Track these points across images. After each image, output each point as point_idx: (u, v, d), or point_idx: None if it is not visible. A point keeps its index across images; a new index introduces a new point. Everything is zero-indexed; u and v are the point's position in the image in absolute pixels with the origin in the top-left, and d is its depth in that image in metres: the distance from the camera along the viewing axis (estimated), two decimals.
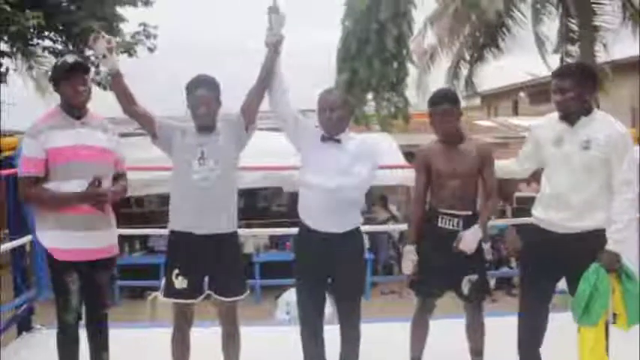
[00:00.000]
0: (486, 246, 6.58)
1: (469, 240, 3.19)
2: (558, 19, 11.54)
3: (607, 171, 2.96)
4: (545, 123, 3.23)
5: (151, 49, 10.15)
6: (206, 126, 3.19)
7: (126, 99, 3.17)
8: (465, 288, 3.27)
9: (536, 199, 3.24)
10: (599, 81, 3.18)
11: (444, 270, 3.24)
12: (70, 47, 9.43)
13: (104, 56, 3.10)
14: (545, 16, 11.60)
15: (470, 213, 3.29)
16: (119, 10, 10.08)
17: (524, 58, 12.40)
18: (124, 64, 3.48)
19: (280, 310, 6.69)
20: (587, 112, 3.02)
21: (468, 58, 11.88)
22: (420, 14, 13.21)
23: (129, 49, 9.83)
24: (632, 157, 2.98)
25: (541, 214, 3.17)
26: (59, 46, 9.74)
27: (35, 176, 3.06)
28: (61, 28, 9.36)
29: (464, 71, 11.96)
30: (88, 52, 9.12)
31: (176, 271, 3.17)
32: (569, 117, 3.03)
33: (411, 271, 3.29)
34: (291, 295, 6.23)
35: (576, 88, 2.98)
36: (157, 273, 7.51)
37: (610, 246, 2.92)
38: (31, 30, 8.51)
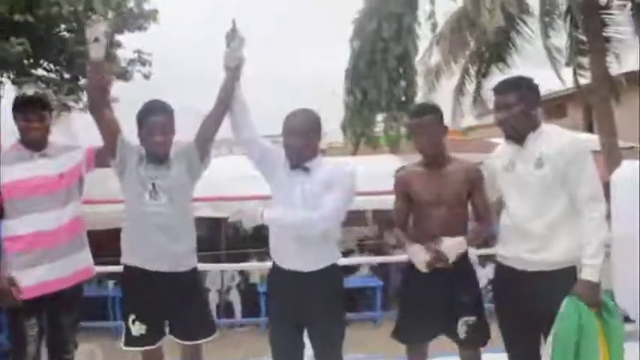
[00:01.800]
0: (484, 271, 6.20)
1: (449, 244, 2.82)
2: (566, 31, 11.21)
3: (568, 189, 2.62)
4: (495, 152, 2.93)
5: (146, 77, 10.02)
6: (159, 156, 2.94)
7: (100, 95, 2.95)
8: (462, 332, 2.90)
9: (499, 235, 2.90)
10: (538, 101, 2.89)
11: (435, 311, 2.89)
12: (65, 76, 9.36)
13: (96, 39, 2.85)
14: (554, 29, 11.30)
15: None
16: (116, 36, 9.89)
17: (534, 73, 12.08)
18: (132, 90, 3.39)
19: None
20: (535, 127, 2.71)
21: (473, 73, 11.57)
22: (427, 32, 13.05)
23: (124, 74, 9.70)
24: (593, 169, 2.65)
25: (503, 250, 2.83)
26: (53, 75, 9.61)
27: None
28: (54, 55, 9.20)
29: (469, 88, 11.66)
30: (82, 81, 9.09)
31: (132, 316, 2.92)
32: (517, 135, 2.73)
33: (428, 259, 2.87)
34: None
35: (521, 102, 2.68)
36: None
37: (587, 275, 2.55)
38: (22, 58, 8.38)
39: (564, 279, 2.63)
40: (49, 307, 3.03)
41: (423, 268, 2.88)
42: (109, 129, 2.99)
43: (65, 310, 3.09)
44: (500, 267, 2.92)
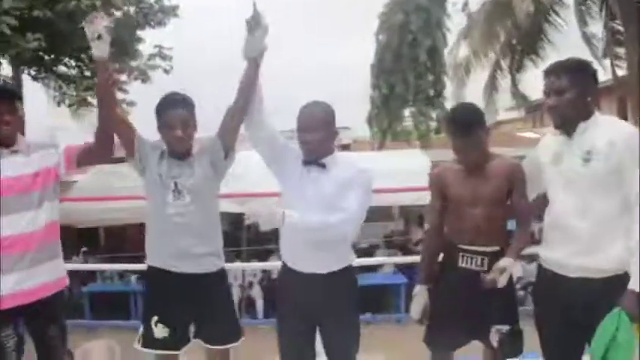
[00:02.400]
0: (529, 268, 5.88)
1: (500, 272, 2.56)
2: (602, 21, 10.84)
3: (621, 187, 2.32)
4: (541, 143, 2.64)
5: (166, 71, 9.93)
6: (181, 153, 2.75)
7: (109, 96, 2.74)
8: (494, 340, 2.67)
9: (543, 235, 2.61)
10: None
11: (467, 317, 2.66)
12: (86, 73, 9.31)
13: (99, 37, 2.61)
14: (592, 17, 10.95)
15: (497, 248, 2.70)
16: (139, 32, 9.88)
17: None
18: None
19: None
20: (587, 116, 2.41)
21: (505, 67, 11.23)
22: (456, 25, 12.76)
23: (143, 78, 9.64)
24: None
25: (545, 252, 2.55)
26: (74, 72, 9.59)
27: None
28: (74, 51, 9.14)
29: (501, 82, 11.31)
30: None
31: (155, 317, 2.74)
32: (566, 125, 2.44)
33: (419, 315, 2.74)
34: None
35: (575, 88, 2.38)
36: None
37: (633, 285, 2.26)
38: (38, 54, 8.33)
39: (614, 287, 2.33)
40: (29, 317, 2.81)
41: (414, 314, 2.83)
42: (125, 131, 2.79)
43: (47, 320, 2.86)
44: (543, 270, 2.64)
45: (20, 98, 2.90)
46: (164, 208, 2.72)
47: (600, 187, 2.37)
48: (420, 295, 2.79)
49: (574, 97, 2.41)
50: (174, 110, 2.71)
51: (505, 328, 2.69)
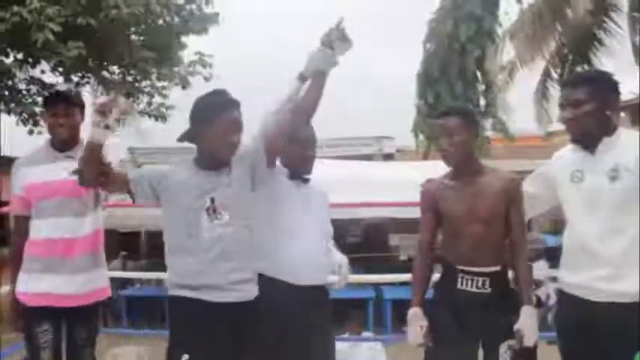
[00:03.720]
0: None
1: (531, 331, 2.39)
2: None
3: None
4: (559, 155, 2.48)
5: (206, 79, 9.94)
6: (223, 162, 2.44)
7: (91, 170, 2.35)
8: (504, 358, 2.47)
9: (561, 258, 2.43)
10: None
11: (470, 340, 2.48)
12: (127, 78, 9.42)
13: (107, 127, 2.24)
14: None
15: (498, 268, 2.52)
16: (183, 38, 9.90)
17: (622, 75, 11.22)
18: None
19: None
20: (611, 131, 2.25)
21: (556, 77, 10.78)
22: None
23: (183, 84, 9.69)
24: None
25: (568, 277, 2.37)
26: (116, 77, 9.66)
27: (20, 215, 2.87)
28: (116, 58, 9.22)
29: (552, 91, 10.86)
30: (144, 83, 9.11)
31: (185, 356, 2.37)
32: (587, 140, 2.29)
33: (421, 340, 2.51)
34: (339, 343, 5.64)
35: (594, 100, 2.23)
36: None
37: None
38: (79, 61, 8.46)
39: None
40: (66, 318, 2.88)
41: (414, 340, 2.55)
42: (117, 189, 2.51)
43: (80, 326, 2.92)
44: (565, 296, 2.44)
45: (78, 105, 2.91)
46: (198, 231, 2.36)
47: (628, 206, 2.22)
48: (417, 318, 2.55)
49: (592, 109, 2.28)
50: (232, 112, 2.41)
51: (515, 342, 2.46)
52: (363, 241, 10.07)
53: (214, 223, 2.36)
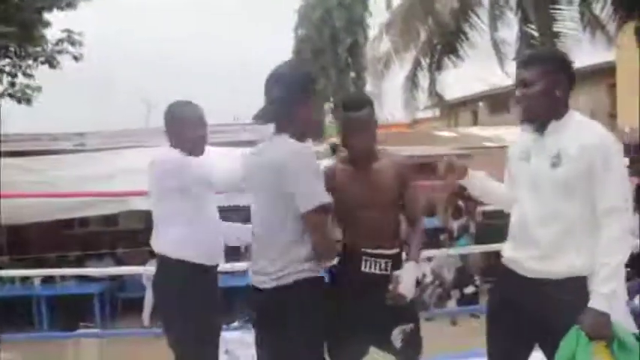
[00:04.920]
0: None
1: (409, 281, 2.49)
2: (517, 24, 11.10)
3: (588, 193, 2.20)
4: (520, 135, 2.52)
5: (76, 58, 9.28)
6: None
7: None
8: (397, 341, 2.55)
9: (509, 230, 2.51)
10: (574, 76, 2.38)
11: (371, 324, 2.52)
12: None
13: None
14: (504, 22, 11.20)
15: (398, 250, 2.62)
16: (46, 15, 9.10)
17: (482, 67, 11.99)
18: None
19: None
20: (560, 114, 2.27)
21: (425, 66, 11.29)
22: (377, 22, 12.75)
23: (50, 61, 8.96)
24: (622, 173, 2.22)
25: (507, 251, 2.45)
26: None
27: None
28: None
29: (421, 80, 11.36)
30: (4, 62, 8.35)
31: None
32: (536, 121, 2.31)
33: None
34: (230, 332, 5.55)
35: (544, 80, 2.25)
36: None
37: (594, 303, 2.16)
38: None
39: (572, 288, 2.25)
40: None
41: None
42: None
43: None
44: (504, 269, 2.51)
45: None
46: None
47: (565, 193, 2.26)
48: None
49: (540, 90, 2.28)
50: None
51: (409, 327, 2.60)
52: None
53: None
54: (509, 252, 2.47)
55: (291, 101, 2.40)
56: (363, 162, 2.61)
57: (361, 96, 2.87)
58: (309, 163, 2.34)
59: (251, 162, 2.50)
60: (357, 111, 2.58)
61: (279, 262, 2.37)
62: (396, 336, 2.57)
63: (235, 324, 5.64)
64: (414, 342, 2.63)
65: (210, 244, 2.83)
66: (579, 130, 2.28)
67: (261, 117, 2.45)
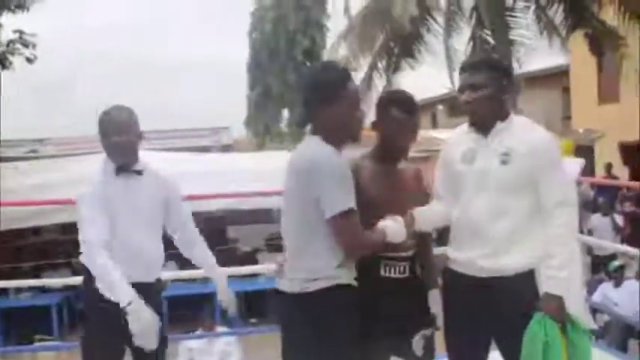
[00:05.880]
0: None
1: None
2: (471, 30, 11.28)
3: (534, 190, 2.33)
4: (453, 137, 2.57)
5: (29, 60, 9.06)
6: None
7: None
8: (418, 347, 2.50)
9: (450, 234, 2.55)
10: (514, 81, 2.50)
11: (391, 331, 2.47)
12: None
13: None
14: (458, 28, 11.38)
15: (414, 252, 2.56)
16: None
17: (440, 71, 12.12)
18: None
19: (182, 358, 5.80)
20: (504, 116, 2.39)
21: (381, 67, 11.34)
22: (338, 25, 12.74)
23: (2, 60, 8.72)
24: (563, 170, 2.39)
25: (454, 253, 2.49)
26: None
27: None
28: None
29: (378, 83, 11.42)
30: None
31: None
32: (482, 123, 2.40)
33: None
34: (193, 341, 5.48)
35: (492, 85, 2.35)
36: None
37: (550, 288, 2.30)
38: None
39: (521, 284, 2.37)
40: None
41: None
42: None
43: None
44: (450, 271, 2.55)
45: None
46: None
47: (515, 189, 2.36)
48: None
49: (490, 93, 2.37)
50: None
51: (429, 332, 2.55)
52: (202, 234, 9.83)
53: None
54: (456, 254, 2.51)
55: (317, 102, 2.31)
56: (394, 162, 2.56)
57: (412, 96, 2.60)
58: (333, 167, 2.23)
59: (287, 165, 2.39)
60: (412, 112, 2.51)
61: (308, 267, 2.29)
62: (418, 342, 2.51)
63: (199, 332, 5.58)
64: (430, 347, 2.57)
65: (130, 263, 2.62)
66: (525, 130, 2.41)
67: (298, 121, 2.44)
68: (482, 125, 2.43)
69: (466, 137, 2.49)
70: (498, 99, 2.40)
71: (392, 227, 2.35)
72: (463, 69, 2.47)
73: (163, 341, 2.73)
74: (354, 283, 2.36)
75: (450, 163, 2.52)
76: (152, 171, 2.79)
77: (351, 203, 2.23)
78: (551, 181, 2.34)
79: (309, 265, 2.29)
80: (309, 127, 2.39)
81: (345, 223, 2.22)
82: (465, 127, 2.52)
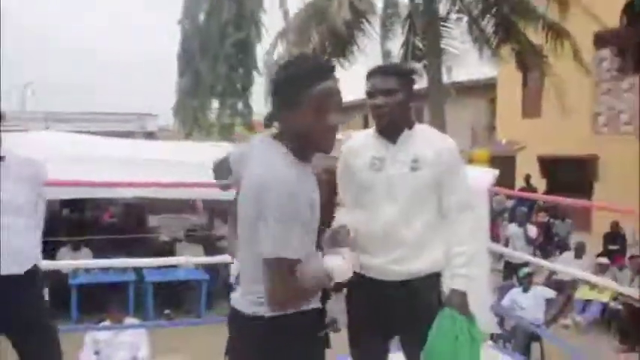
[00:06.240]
0: None
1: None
2: (404, 35, 11.48)
3: (438, 195, 2.41)
4: (355, 143, 2.52)
5: None
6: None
7: None
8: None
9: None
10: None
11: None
12: None
13: None
14: (394, 32, 11.56)
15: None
16: None
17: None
18: None
19: (87, 349, 5.59)
20: (412, 124, 2.42)
21: None
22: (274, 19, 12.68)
23: None
24: (465, 176, 2.46)
25: (364, 259, 2.42)
26: None
27: None
28: None
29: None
30: None
31: None
32: (392, 129, 2.40)
33: None
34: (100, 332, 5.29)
35: (403, 91, 2.37)
36: None
37: (458, 285, 2.38)
38: None
39: (428, 285, 2.44)
40: None
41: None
42: None
43: None
44: (359, 277, 2.41)
45: None
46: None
47: (424, 195, 2.40)
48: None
49: (401, 99, 2.37)
50: None
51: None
52: (121, 222, 9.61)
53: None
54: (367, 260, 2.44)
55: (279, 104, 1.89)
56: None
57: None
58: (281, 198, 1.76)
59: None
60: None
61: (261, 289, 1.86)
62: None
63: (106, 323, 5.39)
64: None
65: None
66: (431, 138, 2.45)
67: (265, 120, 1.97)
68: (391, 132, 2.42)
69: (373, 143, 2.46)
70: (408, 106, 2.41)
71: (339, 267, 1.96)
72: (373, 74, 2.44)
73: (46, 330, 2.64)
74: (316, 305, 2.00)
75: (357, 170, 2.47)
76: (17, 156, 2.62)
77: (289, 251, 1.79)
78: (454, 186, 2.41)
79: (262, 288, 1.87)
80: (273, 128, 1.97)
81: (277, 273, 1.80)
82: (369, 132, 2.51)
